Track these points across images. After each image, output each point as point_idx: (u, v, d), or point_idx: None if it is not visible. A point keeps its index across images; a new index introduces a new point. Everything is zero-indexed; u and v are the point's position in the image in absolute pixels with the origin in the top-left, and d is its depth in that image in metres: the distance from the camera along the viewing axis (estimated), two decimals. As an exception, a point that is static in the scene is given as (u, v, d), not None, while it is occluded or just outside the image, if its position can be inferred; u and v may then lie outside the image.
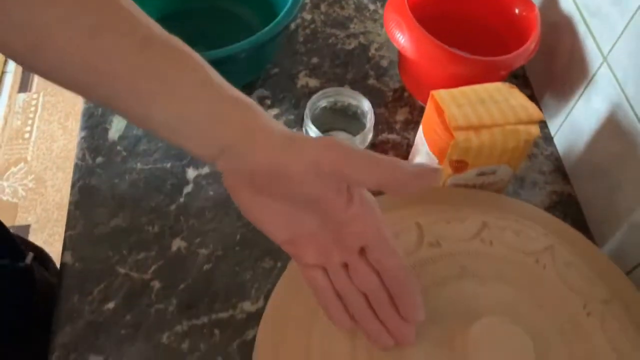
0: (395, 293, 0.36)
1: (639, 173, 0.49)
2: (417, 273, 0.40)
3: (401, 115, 0.63)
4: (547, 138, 0.63)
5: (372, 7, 0.73)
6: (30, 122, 1.49)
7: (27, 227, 1.35)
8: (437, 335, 0.38)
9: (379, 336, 0.37)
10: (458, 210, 0.45)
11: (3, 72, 1.59)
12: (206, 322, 0.50)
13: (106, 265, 0.52)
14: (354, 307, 0.37)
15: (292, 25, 0.70)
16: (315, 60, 0.67)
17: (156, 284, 0.51)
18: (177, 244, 0.53)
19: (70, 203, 0.55)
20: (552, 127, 0.63)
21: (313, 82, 0.65)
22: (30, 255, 0.56)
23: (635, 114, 0.49)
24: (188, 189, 0.57)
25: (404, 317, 0.36)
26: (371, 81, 0.66)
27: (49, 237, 1.33)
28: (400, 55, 0.62)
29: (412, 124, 0.62)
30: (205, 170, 0.58)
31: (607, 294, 0.42)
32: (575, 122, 0.58)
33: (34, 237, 1.32)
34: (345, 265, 0.37)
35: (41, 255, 0.64)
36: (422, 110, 0.60)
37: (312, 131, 0.53)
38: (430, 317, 0.38)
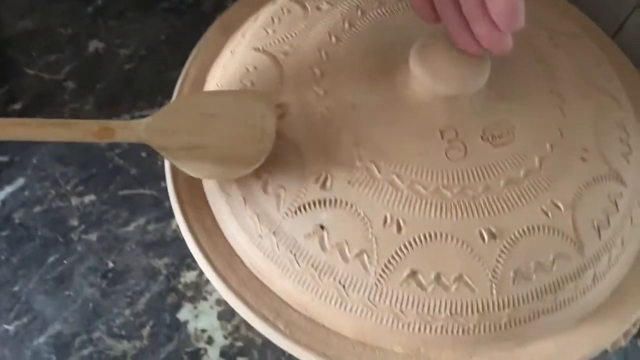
0: None
1: None
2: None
3: None
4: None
5: None
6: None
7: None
8: (380, 64, 0.32)
9: (460, 38, 0.29)
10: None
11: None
12: (128, 119, 0.44)
13: (12, 67, 0.45)
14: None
15: None
16: None
17: (70, 84, 0.45)
18: (94, 45, 0.47)
19: (-31, 8, 0.48)
20: None
21: None
22: None
23: None
24: (107, -9, 0.50)
25: (494, 21, 0.28)
26: None
27: None
28: None
29: None
30: (126, -28, 0.51)
31: (577, 29, 0.36)
32: None
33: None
34: None
35: None
36: None
37: None
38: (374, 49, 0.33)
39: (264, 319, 0.29)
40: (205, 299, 0.38)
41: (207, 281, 0.38)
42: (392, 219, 0.28)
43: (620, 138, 0.32)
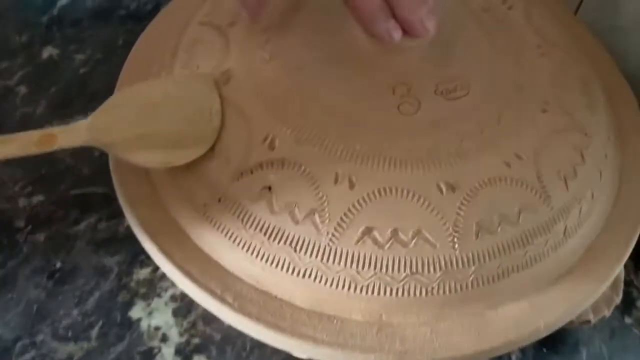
0: None
1: None
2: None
3: None
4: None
5: None
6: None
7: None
8: (327, 25, 0.31)
9: (380, 26, 0.28)
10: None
11: None
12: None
13: (-39, 75, 0.44)
14: None
15: None
16: None
17: (22, 89, 0.43)
18: (49, 51, 0.46)
19: None
20: None
21: None
22: None
23: None
24: (63, 1, 0.49)
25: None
26: None
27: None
28: None
29: None
30: (83, -16, 0.50)
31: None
32: None
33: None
34: None
35: None
36: None
37: None
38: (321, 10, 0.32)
39: (211, 293, 0.27)
40: (159, 295, 0.35)
41: (162, 277, 0.36)
42: (343, 176, 0.26)
43: (582, 91, 0.31)
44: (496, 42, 0.32)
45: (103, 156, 0.40)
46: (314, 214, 0.26)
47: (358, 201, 0.26)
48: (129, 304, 0.35)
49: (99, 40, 0.47)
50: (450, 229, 0.26)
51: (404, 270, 0.26)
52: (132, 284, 0.35)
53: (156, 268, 0.36)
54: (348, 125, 0.27)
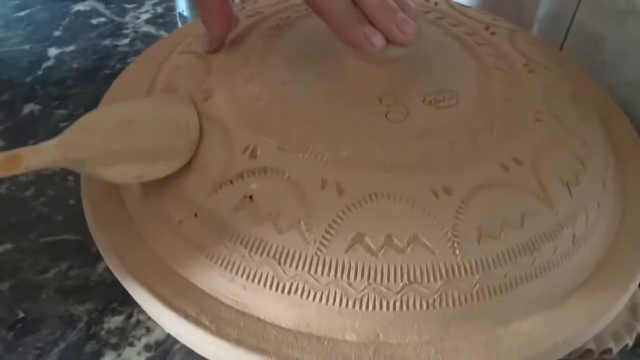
0: None
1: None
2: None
3: None
4: None
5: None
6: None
7: None
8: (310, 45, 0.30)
9: (356, 35, 0.27)
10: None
11: None
12: (58, 170, 0.40)
13: (-62, 131, 0.43)
14: None
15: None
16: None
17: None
18: (30, 107, 0.45)
19: None
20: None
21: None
22: None
23: None
24: (48, 63, 0.49)
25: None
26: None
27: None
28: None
29: None
30: (71, 48, 0.51)
31: (514, 26, 0.36)
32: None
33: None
34: None
35: None
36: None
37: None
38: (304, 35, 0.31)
39: (185, 315, 0.24)
40: (131, 344, 0.31)
41: (135, 325, 0.32)
42: (330, 181, 0.24)
43: (574, 105, 0.30)
44: (482, 59, 0.31)
45: (79, 204, 0.38)
46: (299, 222, 0.24)
47: (347, 207, 0.24)
48: (97, 355, 0.31)
49: (81, 96, 0.46)
50: (449, 233, 0.23)
51: (401, 280, 0.23)
52: (102, 333, 0.32)
53: (129, 316, 0.33)
54: (334, 132, 0.26)
